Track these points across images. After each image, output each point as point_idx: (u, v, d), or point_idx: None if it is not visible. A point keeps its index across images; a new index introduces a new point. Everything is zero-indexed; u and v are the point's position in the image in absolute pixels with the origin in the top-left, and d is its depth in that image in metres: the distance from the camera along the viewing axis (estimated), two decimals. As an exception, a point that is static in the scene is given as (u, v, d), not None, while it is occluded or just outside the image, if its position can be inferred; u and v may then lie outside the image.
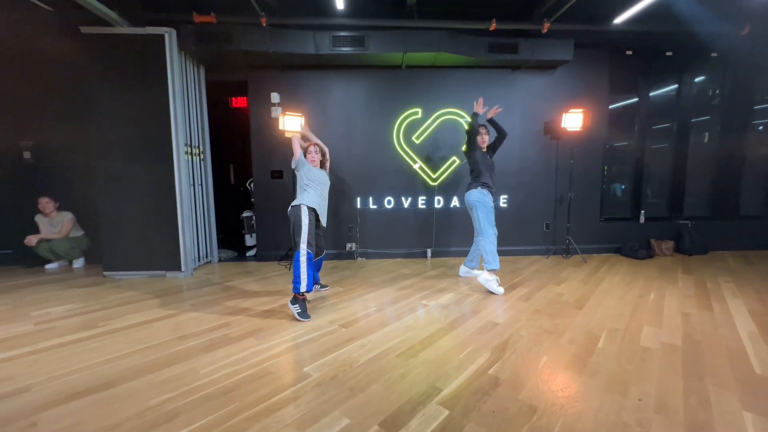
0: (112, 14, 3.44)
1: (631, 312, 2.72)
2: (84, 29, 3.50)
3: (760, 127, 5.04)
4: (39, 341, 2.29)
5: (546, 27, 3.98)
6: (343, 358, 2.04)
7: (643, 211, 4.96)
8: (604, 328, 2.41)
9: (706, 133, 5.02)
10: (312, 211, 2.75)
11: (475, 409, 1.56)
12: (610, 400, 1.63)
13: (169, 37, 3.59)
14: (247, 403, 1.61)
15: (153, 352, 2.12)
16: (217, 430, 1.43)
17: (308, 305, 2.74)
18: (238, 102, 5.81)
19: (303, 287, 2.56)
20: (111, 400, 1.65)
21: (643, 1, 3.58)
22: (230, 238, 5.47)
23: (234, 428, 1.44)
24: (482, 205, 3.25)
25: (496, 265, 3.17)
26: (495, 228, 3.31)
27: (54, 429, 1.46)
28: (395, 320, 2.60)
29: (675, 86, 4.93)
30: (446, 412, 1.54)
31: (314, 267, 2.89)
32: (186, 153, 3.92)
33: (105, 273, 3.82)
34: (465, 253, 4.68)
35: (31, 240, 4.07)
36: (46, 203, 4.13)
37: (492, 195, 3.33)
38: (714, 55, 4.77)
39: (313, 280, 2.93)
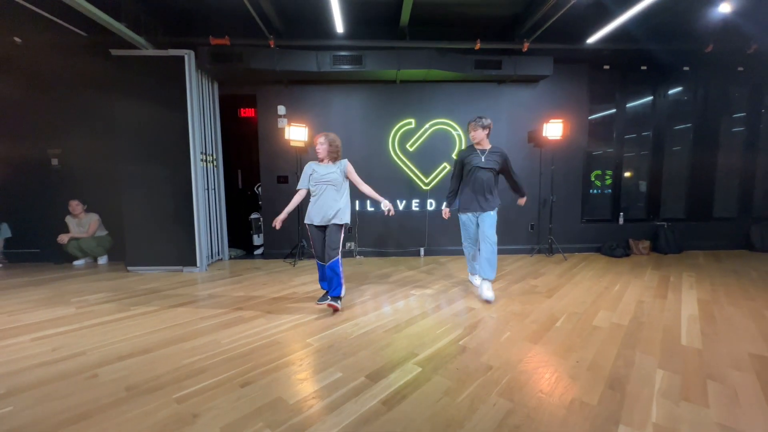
0: (140, 39, 3.91)
1: (593, 300, 3.09)
2: (114, 52, 3.97)
3: (731, 133, 5.41)
4: (83, 320, 2.71)
5: (526, 46, 4.40)
6: (339, 333, 2.44)
7: (621, 213, 5.34)
8: (565, 312, 2.79)
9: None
10: (310, 226, 2.83)
11: (443, 367, 1.96)
12: (554, 362, 2.01)
13: (189, 58, 4.05)
14: (261, 363, 2.01)
15: (180, 329, 2.53)
16: (239, 380, 1.84)
17: (310, 295, 3.15)
18: (246, 112, 6.28)
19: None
20: (151, 361, 2.06)
21: (610, 25, 3.99)
22: (238, 239, 5.90)
23: (252, 378, 1.85)
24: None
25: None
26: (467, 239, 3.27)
27: (111, 378, 1.87)
28: (386, 305, 3.00)
29: (650, 98, 5.32)
30: (419, 369, 1.93)
31: (321, 273, 2.88)
32: (201, 160, 4.37)
33: (128, 267, 4.25)
34: (455, 252, 5.11)
35: (63, 238, 4.53)
36: (75, 205, 4.58)
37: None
38: (686, 69, 5.17)
39: (327, 288, 2.89)
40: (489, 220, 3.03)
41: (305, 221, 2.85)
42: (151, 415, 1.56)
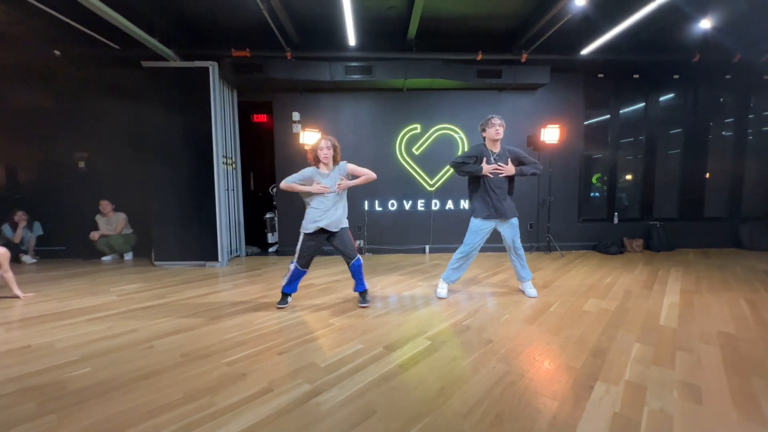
0: (169, 52, 4.27)
1: (586, 290, 3.39)
2: (145, 64, 4.33)
3: (721, 137, 5.71)
4: (127, 306, 3.03)
5: (524, 57, 4.73)
6: (356, 314, 2.75)
7: (616, 213, 5.63)
8: (558, 300, 3.09)
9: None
10: (311, 234, 2.78)
11: (449, 341, 2.26)
12: (546, 337, 2.32)
13: (213, 69, 4.40)
14: (292, 337, 2.33)
15: (215, 312, 2.85)
16: (275, 349, 2.15)
17: (326, 287, 3.46)
18: (258, 118, 6.63)
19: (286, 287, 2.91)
20: (196, 336, 2.38)
21: (603, 37, 4.31)
22: (251, 237, 6.22)
23: (286, 349, 2.16)
24: None
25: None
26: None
27: (166, 348, 2.19)
28: (395, 294, 3.31)
29: (643, 104, 5.63)
30: (429, 342, 2.24)
31: (353, 273, 2.91)
32: (223, 163, 4.71)
33: (155, 262, 4.59)
34: (458, 249, 5.40)
35: (94, 235, 4.87)
36: (105, 205, 4.93)
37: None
38: (676, 77, 5.48)
39: (361, 288, 2.94)
40: (516, 231, 3.11)
41: (307, 231, 2.76)
42: (207, 374, 1.88)
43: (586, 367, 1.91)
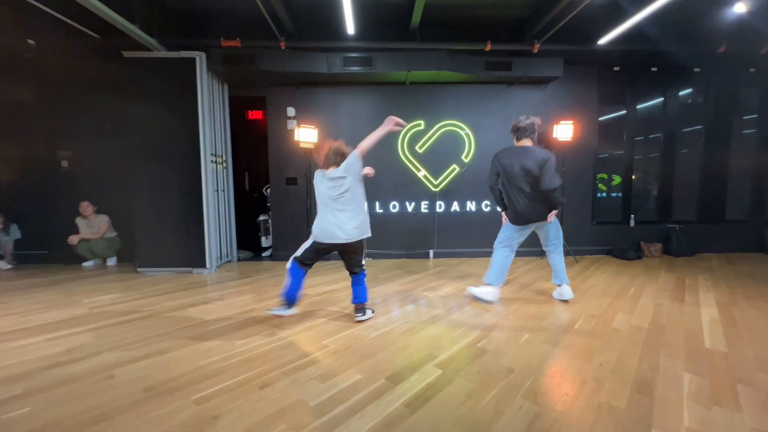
0: (152, 41, 3.93)
1: (610, 302, 3.05)
2: (126, 54, 3.99)
3: (743, 135, 5.36)
4: (97, 321, 2.69)
5: (537, 47, 4.38)
6: (354, 334, 2.41)
7: (633, 215, 5.29)
8: (582, 314, 2.75)
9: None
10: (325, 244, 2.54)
11: (464, 369, 1.92)
12: (576, 365, 1.97)
13: (200, 60, 4.06)
14: (279, 364, 1.99)
15: (193, 330, 2.51)
16: (257, 381, 1.81)
17: (323, 298, 3.11)
18: (253, 114, 6.29)
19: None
20: (168, 362, 2.04)
21: (622, 25, 3.97)
22: (245, 240, 5.88)
23: (270, 379, 1.82)
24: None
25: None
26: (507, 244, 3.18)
27: (128, 379, 1.85)
28: (399, 307, 2.97)
29: (661, 99, 5.29)
30: (440, 371, 1.90)
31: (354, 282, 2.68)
32: (212, 162, 4.37)
33: (138, 269, 4.24)
34: (465, 254, 5.07)
35: (73, 239, 4.53)
36: (86, 207, 4.59)
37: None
38: (696, 70, 5.13)
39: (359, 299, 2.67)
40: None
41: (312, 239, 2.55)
42: (170, 417, 1.54)
43: (632, 409, 1.57)
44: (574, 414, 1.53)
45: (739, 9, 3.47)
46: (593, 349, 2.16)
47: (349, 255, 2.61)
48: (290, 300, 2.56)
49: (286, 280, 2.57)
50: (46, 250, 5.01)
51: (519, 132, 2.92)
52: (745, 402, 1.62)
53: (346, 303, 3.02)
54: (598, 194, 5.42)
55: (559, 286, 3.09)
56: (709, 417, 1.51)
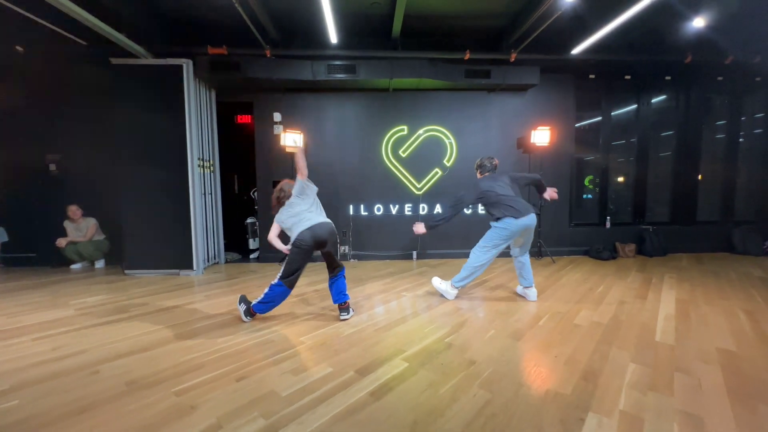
0: (139, 48, 4.03)
1: (577, 300, 3.22)
2: (114, 60, 4.08)
3: (713, 140, 5.61)
4: (83, 322, 2.79)
5: (513, 56, 4.57)
6: (330, 331, 2.54)
7: (608, 217, 5.50)
8: (548, 311, 2.91)
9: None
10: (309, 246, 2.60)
11: (428, 362, 2.06)
12: (534, 357, 2.13)
13: (187, 67, 4.17)
14: (256, 359, 2.11)
15: (178, 329, 2.62)
16: (234, 375, 1.93)
17: (303, 298, 3.24)
18: (243, 119, 6.40)
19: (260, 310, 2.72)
20: (151, 358, 2.15)
21: (592, 37, 4.17)
22: (233, 242, 5.97)
23: (247, 373, 1.95)
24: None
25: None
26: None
27: (112, 374, 1.96)
28: (378, 306, 3.11)
29: (634, 106, 5.51)
30: (406, 364, 2.04)
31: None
32: (199, 166, 4.47)
33: (126, 271, 4.32)
34: (447, 255, 5.23)
35: (61, 242, 4.59)
36: (74, 210, 4.66)
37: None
38: (668, 78, 5.37)
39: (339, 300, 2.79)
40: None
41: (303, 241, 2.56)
42: (151, 407, 1.65)
43: (576, 394, 1.72)
44: (522, 400, 1.68)
45: (698, 23, 3.69)
46: (552, 343, 2.32)
47: (330, 253, 2.73)
48: (259, 311, 2.72)
49: (271, 296, 2.65)
50: (34, 253, 5.06)
51: (482, 168, 3.30)
52: (678, 388, 1.78)
53: (326, 303, 3.15)
54: (585, 195, 5.65)
55: (529, 288, 3.25)
56: (643, 401, 1.67)
